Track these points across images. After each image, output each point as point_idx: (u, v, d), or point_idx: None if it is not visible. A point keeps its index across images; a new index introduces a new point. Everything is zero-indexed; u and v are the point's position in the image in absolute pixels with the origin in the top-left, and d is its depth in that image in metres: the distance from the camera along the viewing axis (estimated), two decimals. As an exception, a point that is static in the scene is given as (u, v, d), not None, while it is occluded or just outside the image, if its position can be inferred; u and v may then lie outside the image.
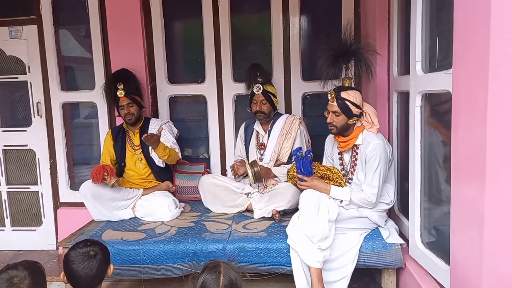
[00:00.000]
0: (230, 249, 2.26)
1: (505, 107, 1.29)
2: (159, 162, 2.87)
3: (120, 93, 2.79)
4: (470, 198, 1.45)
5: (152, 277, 2.32)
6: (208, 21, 3.16)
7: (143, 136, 2.64)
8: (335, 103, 2.22)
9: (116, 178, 2.65)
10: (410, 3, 2.06)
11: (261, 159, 2.86)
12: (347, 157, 2.37)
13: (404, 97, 2.37)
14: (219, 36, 3.16)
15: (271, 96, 2.81)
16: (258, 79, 2.81)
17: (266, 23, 3.16)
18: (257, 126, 2.94)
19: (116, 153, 2.92)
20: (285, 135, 2.82)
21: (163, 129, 2.88)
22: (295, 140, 2.80)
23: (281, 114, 2.93)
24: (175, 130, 3.10)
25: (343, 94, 2.21)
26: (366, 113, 2.28)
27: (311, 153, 2.32)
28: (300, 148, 2.35)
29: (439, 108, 2.02)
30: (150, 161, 2.90)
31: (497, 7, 1.26)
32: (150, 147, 2.85)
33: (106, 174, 2.62)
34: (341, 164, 2.40)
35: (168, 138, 2.90)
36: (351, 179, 2.33)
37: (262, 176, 2.70)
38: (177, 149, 2.90)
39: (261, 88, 2.77)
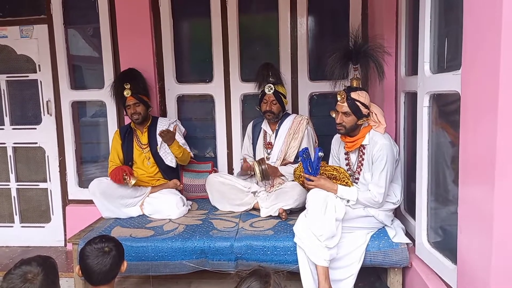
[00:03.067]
0: (237, 247, 2.28)
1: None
2: (171, 162, 2.90)
3: (127, 93, 2.82)
4: (479, 198, 1.46)
5: (160, 273, 2.35)
6: (216, 21, 3.18)
7: (159, 131, 2.73)
8: (345, 104, 2.23)
9: (135, 179, 2.71)
10: (418, 3, 2.07)
11: (268, 158, 2.88)
12: (353, 157, 2.39)
13: (412, 97, 2.38)
14: (227, 36, 3.18)
15: (282, 97, 2.83)
16: (270, 79, 2.83)
17: (273, 23, 3.18)
18: (265, 125, 2.96)
19: (124, 152, 2.95)
20: (292, 135, 2.84)
21: (177, 127, 2.91)
22: (302, 140, 2.82)
23: (289, 114, 2.95)
24: (183, 129, 3.14)
25: (353, 95, 2.23)
26: (373, 112, 2.30)
27: (321, 151, 2.31)
28: (306, 149, 2.36)
29: (447, 108, 2.03)
30: (157, 160, 2.93)
31: (508, 7, 1.26)
32: (159, 146, 2.89)
33: (125, 174, 2.67)
34: (348, 164, 2.41)
35: (179, 139, 2.94)
36: (358, 179, 2.34)
37: (269, 174, 2.72)
38: (188, 149, 2.95)
39: (273, 88, 2.79)
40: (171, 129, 2.86)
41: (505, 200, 1.34)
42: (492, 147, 1.34)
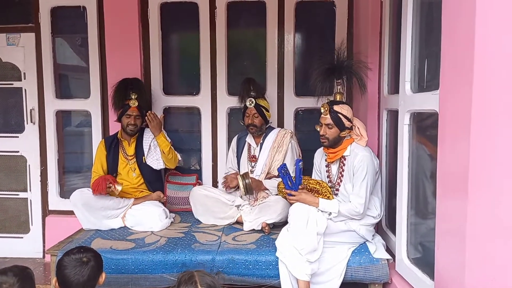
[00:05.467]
0: (219, 261, 2.27)
1: (488, 128, 1.35)
2: (158, 165, 2.88)
3: (133, 103, 2.83)
4: (454, 214, 1.49)
5: (140, 287, 2.31)
6: (205, 35, 3.22)
7: (148, 112, 2.77)
8: (328, 116, 2.29)
9: (120, 185, 2.70)
10: (400, 26, 2.15)
11: (252, 172, 2.89)
12: (334, 168, 2.43)
13: (394, 115, 2.44)
14: (215, 50, 3.21)
15: (264, 110, 2.86)
16: (251, 93, 2.87)
17: (261, 38, 3.23)
18: (249, 139, 2.98)
19: (108, 163, 2.91)
20: (276, 148, 2.86)
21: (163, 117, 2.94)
22: (286, 153, 2.85)
23: (273, 128, 2.98)
24: (169, 140, 3.12)
25: (336, 108, 2.29)
26: (355, 126, 2.35)
27: (301, 162, 2.36)
28: (284, 165, 2.38)
29: (428, 126, 2.08)
30: (143, 170, 2.91)
31: (481, 34, 1.33)
32: (145, 155, 2.87)
33: (109, 183, 2.65)
34: (328, 176, 2.45)
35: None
36: (338, 190, 2.38)
37: (253, 188, 2.73)
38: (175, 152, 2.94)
39: (254, 101, 2.83)
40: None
41: (477, 216, 1.38)
42: (465, 165, 1.38)
